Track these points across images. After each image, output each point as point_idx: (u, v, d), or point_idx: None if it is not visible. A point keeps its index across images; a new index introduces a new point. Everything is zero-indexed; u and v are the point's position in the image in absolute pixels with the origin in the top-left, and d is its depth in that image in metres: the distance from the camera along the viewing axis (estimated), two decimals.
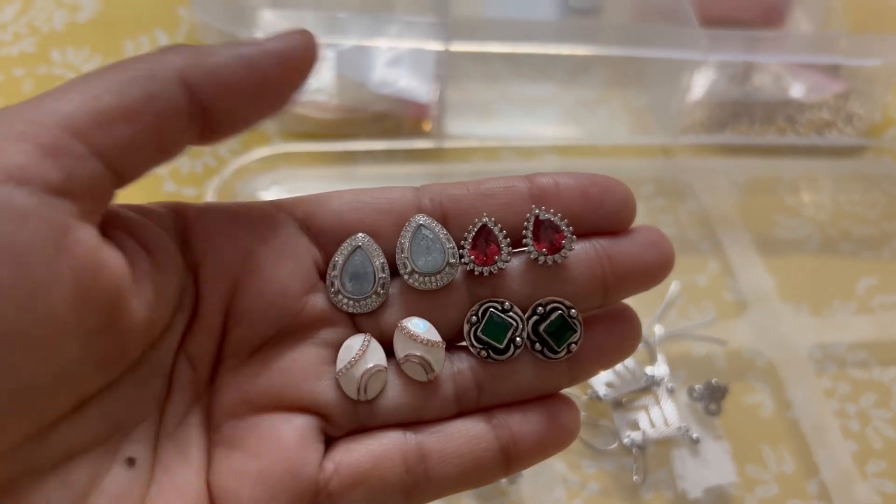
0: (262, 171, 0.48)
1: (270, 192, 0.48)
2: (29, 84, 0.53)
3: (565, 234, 0.25)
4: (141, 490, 0.22)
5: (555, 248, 0.25)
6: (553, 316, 0.25)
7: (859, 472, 0.40)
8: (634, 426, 0.39)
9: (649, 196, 0.51)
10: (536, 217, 0.25)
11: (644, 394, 0.40)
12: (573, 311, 0.25)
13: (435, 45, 0.47)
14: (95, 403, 0.22)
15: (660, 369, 0.41)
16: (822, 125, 0.55)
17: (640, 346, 0.42)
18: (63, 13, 0.57)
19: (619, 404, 0.40)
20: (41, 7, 0.57)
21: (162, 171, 0.49)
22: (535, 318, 0.25)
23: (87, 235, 0.20)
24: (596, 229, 0.26)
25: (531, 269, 0.26)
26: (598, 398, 0.40)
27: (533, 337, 0.25)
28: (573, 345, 0.25)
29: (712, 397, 0.40)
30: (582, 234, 0.26)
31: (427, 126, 0.53)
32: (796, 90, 0.55)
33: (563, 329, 0.25)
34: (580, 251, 0.26)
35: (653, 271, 0.26)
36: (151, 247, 0.23)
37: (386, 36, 0.47)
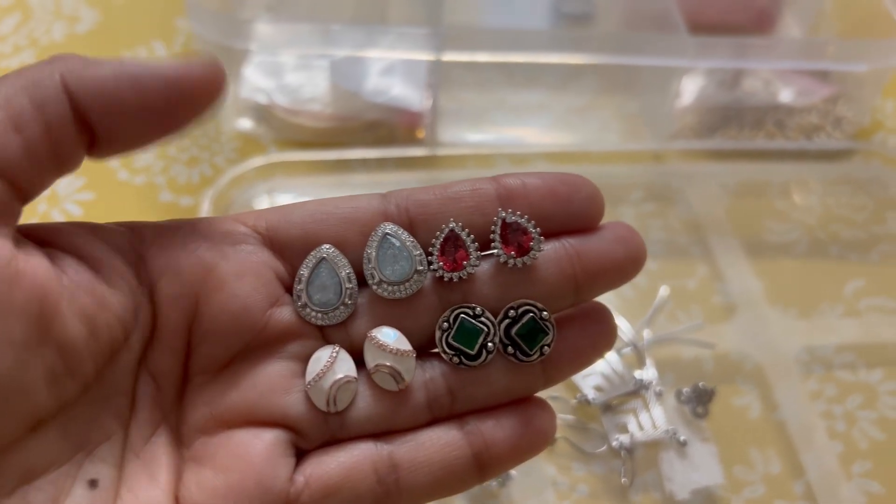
0: (258, 179, 0.49)
1: (266, 201, 0.49)
2: None
3: (533, 235, 0.25)
4: None
5: (523, 251, 0.25)
6: (525, 319, 0.25)
7: (845, 473, 0.41)
8: (623, 429, 0.40)
9: (639, 201, 0.52)
10: (503, 220, 0.25)
11: (632, 397, 0.41)
12: (545, 313, 0.26)
13: (428, 56, 0.48)
14: (53, 423, 0.22)
15: (648, 373, 0.42)
16: (811, 129, 0.56)
17: (629, 351, 0.43)
18: (62, 25, 0.58)
19: (607, 408, 0.41)
20: (40, 19, 0.58)
21: (159, 180, 0.50)
22: (506, 321, 0.26)
23: None
24: (565, 228, 0.26)
25: (501, 273, 0.26)
26: (587, 402, 0.40)
27: (505, 340, 0.26)
28: (546, 347, 0.26)
29: (699, 400, 0.41)
30: (551, 234, 0.26)
31: (420, 134, 0.53)
32: (785, 95, 0.56)
33: (535, 332, 0.25)
34: (550, 251, 0.26)
35: (623, 267, 0.26)
36: (94, 263, 0.23)
37: (379, 47, 0.48)
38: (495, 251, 0.26)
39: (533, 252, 0.25)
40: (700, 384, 0.41)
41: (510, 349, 0.26)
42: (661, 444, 0.40)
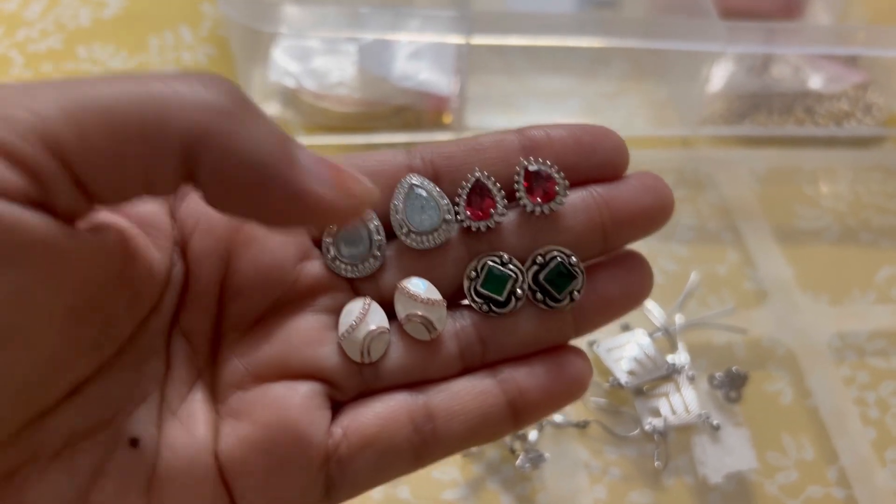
0: None
1: None
2: None
3: (557, 181, 0.25)
4: (147, 469, 0.23)
5: (548, 197, 0.25)
6: (552, 264, 0.25)
7: (878, 459, 0.40)
8: (656, 413, 0.40)
9: (670, 187, 0.51)
10: (526, 168, 0.25)
11: (665, 381, 0.41)
12: (573, 258, 0.25)
13: (456, 39, 0.48)
14: (91, 387, 0.22)
15: (680, 357, 0.41)
16: (841, 116, 0.55)
17: (661, 335, 0.43)
18: (88, 10, 0.58)
19: (640, 392, 0.41)
20: (67, 4, 0.58)
21: None
22: (534, 267, 0.25)
23: (61, 237, 0.19)
24: (591, 177, 0.26)
25: (528, 221, 0.26)
26: (620, 386, 0.40)
27: (534, 287, 0.25)
28: (575, 292, 0.25)
29: (732, 385, 0.41)
30: (578, 183, 0.25)
31: (447, 119, 0.53)
32: (815, 81, 0.56)
33: (562, 277, 0.25)
34: (577, 198, 0.25)
35: (652, 215, 0.25)
36: (147, 226, 0.23)
37: (407, 30, 0.48)
38: (521, 200, 0.25)
39: (559, 198, 0.25)
40: (733, 368, 0.41)
41: (539, 295, 0.25)
42: (693, 429, 0.40)
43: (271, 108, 0.53)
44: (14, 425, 0.20)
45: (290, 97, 0.53)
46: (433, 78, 0.52)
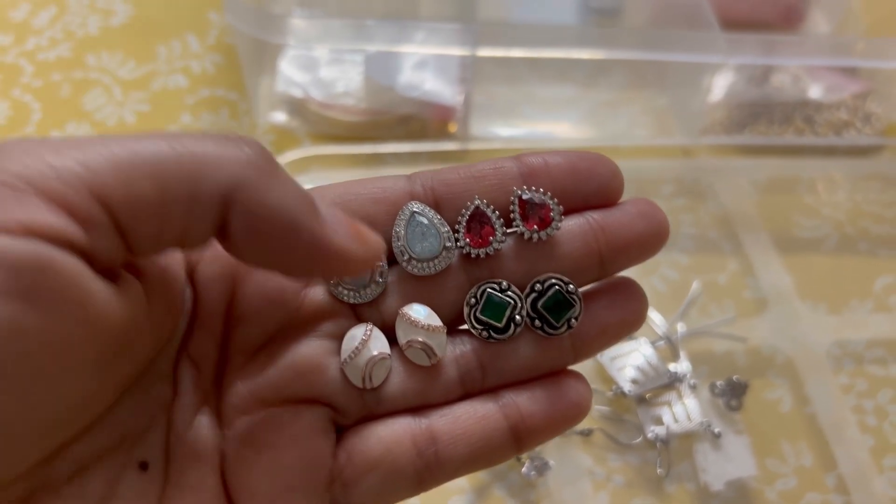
0: (294, 173, 0.49)
1: None
2: (67, 89, 0.54)
3: (552, 207, 0.26)
4: (157, 492, 0.23)
5: (544, 224, 0.26)
6: (550, 292, 0.26)
7: (876, 466, 0.41)
8: (658, 421, 0.41)
9: (670, 196, 0.52)
10: (520, 197, 0.26)
11: (667, 390, 0.42)
12: (571, 286, 0.26)
13: (461, 51, 0.49)
14: (104, 416, 0.22)
15: (682, 366, 0.42)
16: (841, 125, 0.56)
17: (663, 344, 0.43)
18: (97, 18, 0.59)
19: (643, 400, 0.41)
20: (76, 12, 0.59)
21: None
22: (533, 295, 0.26)
23: (100, 287, 0.20)
24: (587, 203, 0.26)
25: (525, 248, 0.26)
26: (623, 394, 0.41)
27: (532, 314, 0.26)
28: (573, 320, 0.26)
29: (733, 393, 0.42)
30: (574, 209, 0.26)
31: (452, 128, 0.54)
32: (815, 91, 0.56)
33: (561, 304, 0.26)
34: (573, 225, 0.26)
35: (647, 241, 0.26)
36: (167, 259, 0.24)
37: (413, 42, 0.48)
38: (517, 228, 0.26)
39: (554, 223, 0.26)
40: (734, 377, 0.42)
41: (537, 322, 0.26)
42: (695, 436, 0.40)
43: (278, 118, 0.54)
44: (35, 459, 0.21)
45: (297, 106, 0.53)
46: (438, 88, 0.53)
